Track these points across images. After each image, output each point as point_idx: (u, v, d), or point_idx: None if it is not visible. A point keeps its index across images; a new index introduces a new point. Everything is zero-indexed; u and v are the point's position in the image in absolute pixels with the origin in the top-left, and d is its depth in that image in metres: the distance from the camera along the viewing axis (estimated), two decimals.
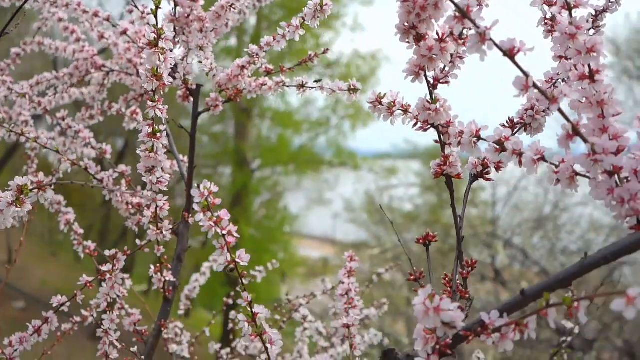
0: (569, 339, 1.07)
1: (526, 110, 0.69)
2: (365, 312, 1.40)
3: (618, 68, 8.98)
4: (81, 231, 1.10)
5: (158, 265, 0.96)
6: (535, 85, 0.50)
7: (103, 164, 1.23)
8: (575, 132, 0.51)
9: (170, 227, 0.90)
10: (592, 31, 0.73)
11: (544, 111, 0.67)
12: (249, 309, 0.64)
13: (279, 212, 11.45)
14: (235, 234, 0.62)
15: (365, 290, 1.42)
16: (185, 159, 1.11)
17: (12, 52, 1.32)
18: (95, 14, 1.09)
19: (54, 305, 0.91)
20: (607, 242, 7.01)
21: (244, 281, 0.64)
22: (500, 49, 0.50)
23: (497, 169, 0.67)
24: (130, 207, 1.01)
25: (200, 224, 0.62)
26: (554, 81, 0.69)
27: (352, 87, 0.83)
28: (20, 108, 1.26)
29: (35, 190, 0.66)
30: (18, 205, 0.67)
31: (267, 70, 0.99)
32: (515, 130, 0.69)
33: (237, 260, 0.63)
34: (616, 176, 0.53)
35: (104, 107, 1.20)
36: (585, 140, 0.51)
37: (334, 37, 11.22)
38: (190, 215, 0.95)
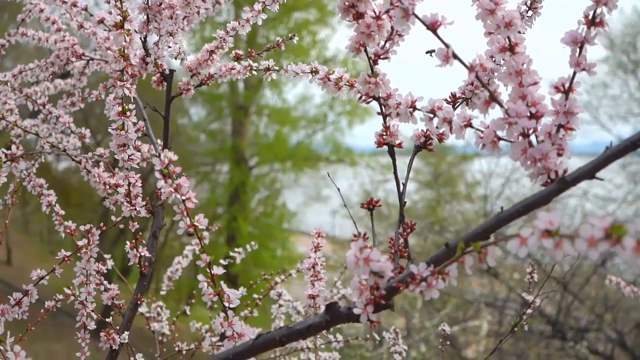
0: (529, 310, 1.11)
1: (467, 85, 0.73)
2: (343, 291, 1.46)
3: (612, 62, 9.02)
4: (62, 212, 1.14)
5: (134, 241, 1.01)
6: (454, 56, 0.55)
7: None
8: (492, 98, 0.56)
9: (144, 203, 0.95)
10: (530, 12, 0.78)
11: (483, 86, 0.72)
12: (208, 270, 0.70)
13: (277, 209, 11.49)
14: (195, 200, 0.67)
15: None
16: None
17: None
18: (74, 4, 1.13)
19: (34, 279, 0.96)
20: None
21: (202, 243, 0.69)
22: (424, 23, 0.55)
23: (440, 140, 0.72)
24: (107, 187, 1.06)
25: (162, 190, 0.66)
26: (493, 58, 0.74)
27: (314, 69, 0.88)
28: (5, 97, 1.30)
29: (8, 162, 0.71)
30: None
31: (236, 56, 1.04)
32: (457, 104, 0.74)
33: (196, 224, 0.68)
34: (534, 138, 0.58)
35: (84, 94, 1.25)
36: (501, 106, 0.56)
37: (330, 34, 11.28)
38: None
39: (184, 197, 0.67)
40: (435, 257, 0.58)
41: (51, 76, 1.25)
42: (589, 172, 0.52)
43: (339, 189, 0.86)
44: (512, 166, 7.28)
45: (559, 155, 0.56)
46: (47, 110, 1.16)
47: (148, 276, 1.05)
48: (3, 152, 0.70)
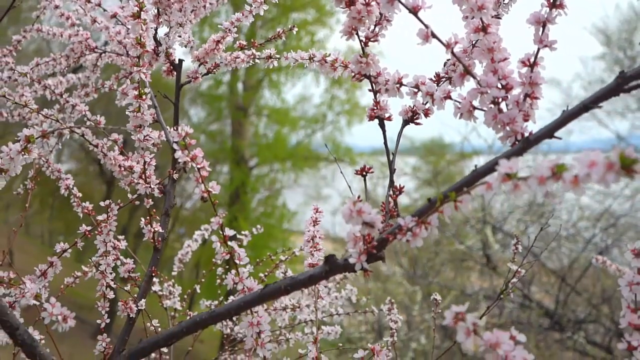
0: (514, 280, 1.20)
1: (451, 64, 0.82)
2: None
3: (609, 58, 9.10)
4: (80, 194, 1.23)
5: (148, 217, 1.09)
6: (433, 35, 0.64)
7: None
8: (466, 71, 0.65)
9: (157, 181, 1.04)
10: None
11: (458, 60, 0.81)
12: (220, 232, 0.78)
13: (277, 209, 11.57)
14: (208, 168, 0.76)
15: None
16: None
17: (14, 38, 1.46)
18: (88, 0, 1.22)
19: (57, 251, 1.05)
20: (596, 227, 7.17)
21: (215, 207, 0.77)
22: (406, 7, 0.64)
23: (426, 115, 0.81)
24: (122, 169, 1.14)
25: (179, 160, 0.75)
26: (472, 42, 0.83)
27: (311, 55, 0.96)
28: (22, 89, 1.39)
29: (40, 138, 0.79)
30: (26, 153, 0.80)
31: (240, 47, 1.13)
32: (441, 82, 0.82)
33: (210, 189, 0.76)
34: (504, 106, 0.67)
35: (97, 85, 1.33)
36: (474, 78, 0.65)
37: (328, 34, 11.37)
38: (175, 173, 1.08)
39: (199, 166, 0.76)
40: (419, 210, 0.66)
41: (65, 69, 1.33)
42: (549, 132, 0.60)
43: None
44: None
45: (525, 120, 0.65)
46: (64, 100, 1.24)
47: (161, 251, 1.13)
48: (36, 130, 0.78)
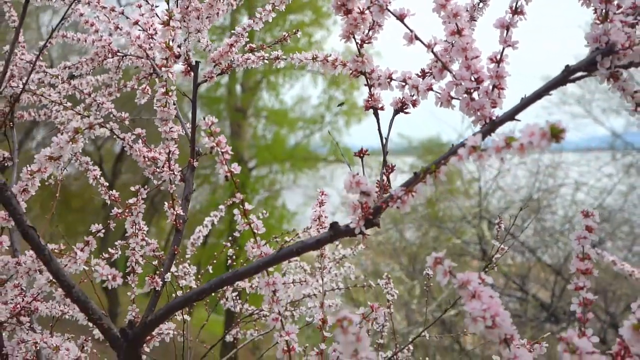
0: (497, 255, 1.34)
1: (434, 62, 0.96)
2: (342, 251, 1.68)
3: None
4: (107, 184, 1.37)
5: (171, 202, 1.24)
6: (416, 37, 0.78)
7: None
8: (444, 67, 0.79)
9: (180, 169, 1.18)
10: (481, 4, 1.00)
11: (437, 59, 0.95)
12: (241, 207, 0.92)
13: (277, 209, 11.71)
14: (230, 152, 0.90)
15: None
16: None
17: (40, 44, 1.60)
18: (112, 9, 1.36)
19: (93, 231, 1.19)
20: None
21: (236, 185, 0.92)
22: (394, 15, 0.78)
23: (413, 105, 0.95)
24: (146, 160, 1.28)
25: (205, 145, 0.89)
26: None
27: (314, 56, 1.11)
28: (50, 90, 1.53)
29: (87, 130, 0.93)
30: (73, 142, 0.94)
31: (250, 49, 1.27)
32: (427, 77, 0.96)
33: (232, 169, 0.91)
34: (476, 95, 0.81)
35: (119, 85, 1.47)
36: (450, 72, 0.79)
37: (325, 35, 11.53)
38: (196, 160, 1.22)
39: (222, 150, 0.90)
40: (407, 182, 0.80)
41: (90, 71, 1.47)
42: (510, 116, 0.75)
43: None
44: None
45: (493, 107, 0.79)
46: (92, 99, 1.39)
47: (182, 231, 1.28)
48: (82, 123, 0.92)
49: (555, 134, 0.55)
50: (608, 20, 0.72)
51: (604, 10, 0.72)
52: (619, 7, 0.73)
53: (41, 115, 1.65)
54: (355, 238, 0.88)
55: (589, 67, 0.72)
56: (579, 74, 0.73)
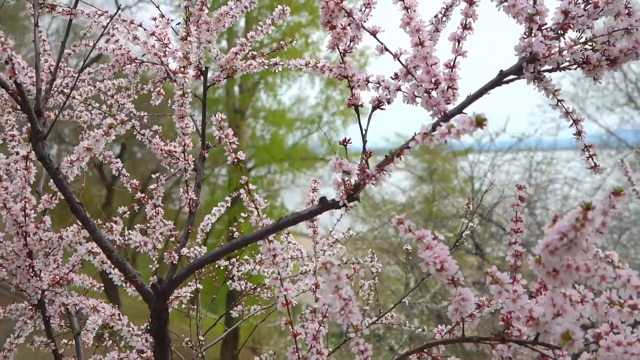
0: (467, 232, 1.54)
1: (402, 67, 1.17)
2: (335, 236, 1.89)
3: None
4: (128, 174, 1.57)
5: (185, 187, 1.44)
6: (386, 49, 0.99)
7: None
8: (408, 72, 1.00)
9: (194, 159, 1.38)
10: (444, 18, 1.21)
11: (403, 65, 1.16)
12: (246, 187, 1.13)
13: (276, 209, 11.90)
14: (236, 142, 1.11)
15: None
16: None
17: (65, 52, 1.80)
18: (132, 22, 1.57)
19: (119, 213, 1.39)
20: None
21: (244, 171, 1.12)
22: (368, 31, 0.99)
23: (388, 102, 1.16)
24: (163, 152, 1.49)
25: (215, 137, 1.10)
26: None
27: (307, 62, 1.31)
28: (73, 93, 1.74)
29: (119, 125, 1.13)
30: (107, 135, 1.15)
31: (252, 56, 1.48)
32: (399, 79, 1.17)
33: (238, 156, 1.11)
34: (435, 94, 1.01)
35: (137, 88, 1.68)
36: (413, 76, 1.00)
37: (322, 36, 11.73)
38: (206, 152, 1.43)
39: (230, 141, 1.11)
40: (379, 164, 1.01)
41: (112, 76, 1.68)
42: (457, 110, 0.95)
43: None
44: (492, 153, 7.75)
45: (447, 103, 1.00)
46: (115, 100, 1.59)
47: (195, 213, 1.48)
48: (114, 119, 1.12)
49: (479, 122, 0.76)
50: (532, 35, 0.92)
51: (528, 27, 0.93)
52: (541, 26, 0.93)
53: (65, 115, 1.85)
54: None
55: (517, 71, 0.93)
56: (511, 77, 0.94)
